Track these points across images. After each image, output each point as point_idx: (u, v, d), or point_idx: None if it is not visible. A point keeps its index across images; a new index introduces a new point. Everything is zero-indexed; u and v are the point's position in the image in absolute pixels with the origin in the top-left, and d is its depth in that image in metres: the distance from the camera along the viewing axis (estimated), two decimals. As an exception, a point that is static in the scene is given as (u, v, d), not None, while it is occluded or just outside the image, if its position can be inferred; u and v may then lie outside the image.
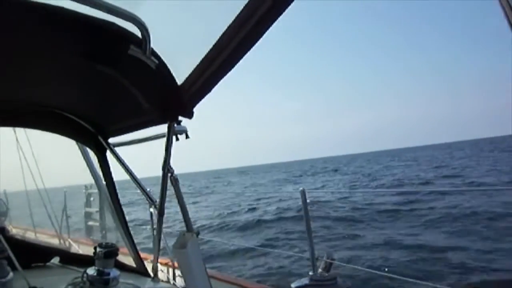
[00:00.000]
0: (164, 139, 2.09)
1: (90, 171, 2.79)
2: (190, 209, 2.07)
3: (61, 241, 6.09)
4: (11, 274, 2.07)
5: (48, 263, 2.74)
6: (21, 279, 2.09)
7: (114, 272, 1.97)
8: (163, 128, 2.12)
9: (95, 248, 1.97)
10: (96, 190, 6.38)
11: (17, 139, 5.47)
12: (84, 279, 1.95)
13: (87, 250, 5.73)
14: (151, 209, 5.41)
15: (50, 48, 1.52)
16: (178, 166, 2.05)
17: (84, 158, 2.76)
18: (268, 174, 76.23)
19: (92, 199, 6.60)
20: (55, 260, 2.81)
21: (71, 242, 6.15)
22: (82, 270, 2.42)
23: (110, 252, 1.95)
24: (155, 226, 5.54)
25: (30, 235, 5.72)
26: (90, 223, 6.61)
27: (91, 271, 1.95)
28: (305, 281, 1.99)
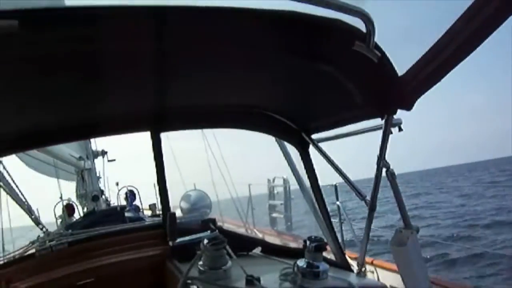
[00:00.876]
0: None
1: (289, 165, 2.96)
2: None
3: (248, 230, 6.70)
4: (229, 262, 2.33)
5: (250, 253, 3.01)
6: (236, 267, 2.34)
7: (324, 266, 2.02)
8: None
9: (304, 241, 2.06)
10: (279, 184, 6.83)
11: (204, 136, 6.21)
12: (295, 270, 2.06)
13: (272, 240, 6.18)
14: (338, 203, 5.56)
15: (261, 52, 1.65)
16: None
17: (283, 153, 2.96)
18: (458, 177, 68.15)
19: (276, 192, 7.09)
20: (257, 250, 3.06)
21: (256, 232, 6.71)
22: (285, 261, 2.58)
23: (319, 246, 2.02)
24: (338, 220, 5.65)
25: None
26: (274, 215, 7.12)
27: (301, 263, 2.05)
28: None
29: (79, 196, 7.76)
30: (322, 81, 1.91)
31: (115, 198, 8.82)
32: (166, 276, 2.92)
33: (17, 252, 3.66)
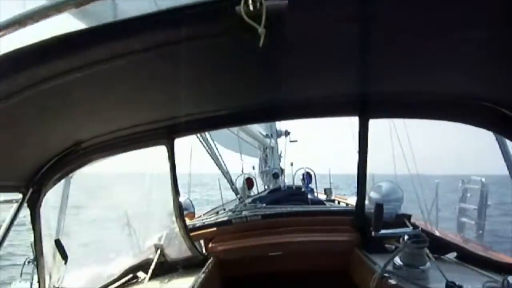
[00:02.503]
0: None
1: (508, 167, 2.73)
2: None
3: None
4: (428, 263, 2.31)
5: (443, 256, 2.90)
6: (434, 269, 2.31)
7: None
8: None
9: None
10: (475, 186, 6.27)
11: (394, 127, 6.04)
12: (504, 286, 1.94)
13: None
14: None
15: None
16: None
17: (502, 152, 2.74)
18: None
19: (469, 195, 6.53)
20: (451, 255, 2.94)
21: (438, 234, 6.31)
22: (485, 273, 2.43)
23: None
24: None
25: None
26: (463, 219, 6.59)
27: None
28: None
29: (260, 172, 8.47)
30: None
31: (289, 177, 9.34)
32: (354, 264, 3.04)
33: (207, 217, 4.23)
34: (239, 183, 7.07)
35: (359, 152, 2.84)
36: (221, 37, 1.38)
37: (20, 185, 2.11)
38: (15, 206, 2.13)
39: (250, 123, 5.13)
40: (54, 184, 2.36)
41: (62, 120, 1.89)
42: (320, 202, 5.48)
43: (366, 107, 2.72)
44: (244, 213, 3.74)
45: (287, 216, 3.63)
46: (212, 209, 5.84)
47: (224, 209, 5.44)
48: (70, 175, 2.65)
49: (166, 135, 2.75)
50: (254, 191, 7.70)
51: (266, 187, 8.15)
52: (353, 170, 3.05)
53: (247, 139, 7.37)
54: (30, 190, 2.15)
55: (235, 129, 6.59)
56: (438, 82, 2.19)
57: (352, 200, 6.33)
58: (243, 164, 7.75)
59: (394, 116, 2.94)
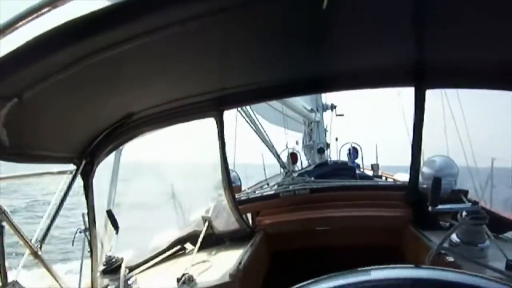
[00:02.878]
0: None
1: None
2: None
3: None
4: (487, 241, 2.21)
5: (501, 235, 2.77)
6: (493, 248, 2.20)
7: None
8: None
9: None
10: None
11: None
12: None
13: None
14: None
15: None
16: None
17: None
18: None
19: (527, 171, 6.26)
20: (510, 234, 2.80)
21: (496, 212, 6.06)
22: None
23: None
24: None
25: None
26: (524, 196, 6.33)
27: None
28: None
29: (304, 147, 8.41)
30: None
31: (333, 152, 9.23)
32: (406, 240, 2.96)
33: (257, 190, 4.23)
34: (283, 158, 7.05)
35: (414, 124, 2.69)
36: (276, 1, 1.33)
37: (74, 157, 2.17)
38: (69, 177, 2.20)
39: (301, 94, 5.03)
40: (106, 155, 2.41)
41: (114, 92, 1.91)
42: (368, 177, 5.39)
43: (423, 77, 2.55)
44: (292, 186, 3.72)
45: (336, 191, 3.57)
46: (256, 184, 5.88)
47: (268, 184, 5.45)
48: (121, 147, 2.70)
49: (215, 107, 2.71)
50: (298, 166, 7.68)
51: (310, 162, 8.09)
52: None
53: (289, 114, 7.30)
54: (84, 162, 2.21)
55: (279, 105, 6.54)
56: (501, 49, 2.03)
57: (400, 177, 6.19)
58: (287, 138, 7.72)
59: (454, 86, 2.76)
